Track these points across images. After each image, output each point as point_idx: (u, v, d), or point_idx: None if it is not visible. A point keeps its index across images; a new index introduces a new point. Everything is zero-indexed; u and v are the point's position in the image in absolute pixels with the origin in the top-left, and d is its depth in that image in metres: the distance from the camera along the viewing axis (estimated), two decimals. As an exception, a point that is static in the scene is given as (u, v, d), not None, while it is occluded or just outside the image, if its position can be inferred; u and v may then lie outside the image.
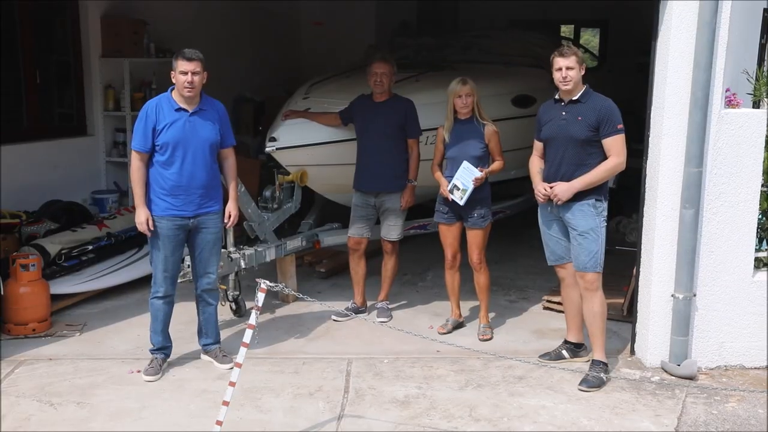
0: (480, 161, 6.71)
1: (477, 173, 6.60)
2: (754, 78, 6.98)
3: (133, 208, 6.28)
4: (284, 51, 12.53)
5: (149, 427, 5.41)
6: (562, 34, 13.51)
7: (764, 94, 6.80)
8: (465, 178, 6.62)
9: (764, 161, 6.31)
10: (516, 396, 5.95)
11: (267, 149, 7.63)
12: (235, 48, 11.13)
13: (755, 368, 6.48)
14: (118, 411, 5.60)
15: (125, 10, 9.61)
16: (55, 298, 7.15)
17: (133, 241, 8.03)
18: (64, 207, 8.42)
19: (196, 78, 5.95)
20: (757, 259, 6.45)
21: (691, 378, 6.24)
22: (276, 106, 8.17)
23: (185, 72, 5.91)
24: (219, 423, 4.90)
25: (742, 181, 6.24)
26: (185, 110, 6.02)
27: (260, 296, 5.18)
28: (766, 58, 7.51)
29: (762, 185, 6.34)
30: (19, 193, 8.19)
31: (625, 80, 6.95)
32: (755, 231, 6.38)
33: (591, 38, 14.33)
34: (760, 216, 6.42)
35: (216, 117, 6.20)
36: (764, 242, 6.55)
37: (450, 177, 6.73)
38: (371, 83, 7.16)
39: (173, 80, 6.03)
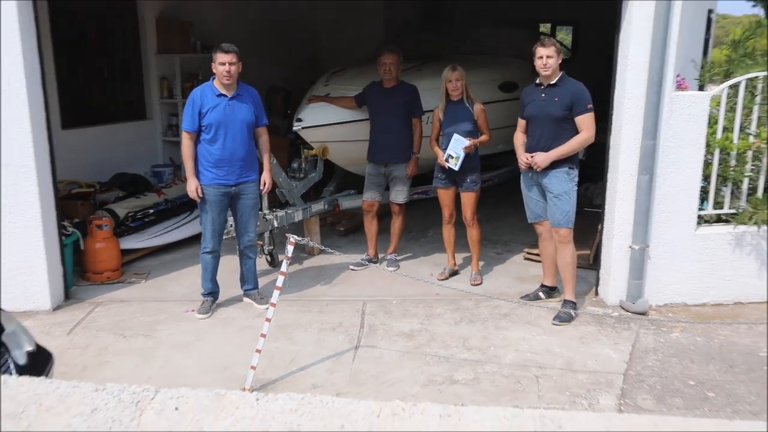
0: (471, 135, 6.73)
1: (466, 142, 6.65)
2: (700, 66, 7.11)
3: (185, 178, 6.32)
4: (307, 46, 12.45)
5: (203, 355, 5.59)
6: (542, 31, 13.47)
7: (707, 79, 6.83)
8: (457, 148, 6.68)
9: (707, 135, 6.33)
10: (501, 329, 6.06)
11: (294, 128, 7.64)
12: (267, 44, 11.05)
13: (696, 305, 6.58)
14: (178, 342, 5.79)
15: (175, 13, 9.57)
16: (124, 252, 7.27)
17: (185, 206, 8.05)
18: (130, 178, 8.51)
19: (233, 68, 5.98)
20: (699, 217, 6.48)
21: (643, 313, 6.36)
22: (302, 93, 8.20)
23: (223, 63, 5.95)
24: (258, 351, 5.05)
25: (688, 152, 6.29)
26: (225, 96, 6.06)
27: (290, 249, 5.30)
28: (709, 49, 7.62)
29: (705, 155, 6.36)
30: (93, 168, 8.26)
31: (594, 70, 7.07)
32: (699, 193, 6.42)
33: (565, 36, 14.30)
34: (703, 181, 6.45)
35: (251, 101, 6.23)
36: (705, 203, 6.54)
37: (446, 149, 6.77)
38: (381, 72, 7.20)
39: (214, 70, 6.06)
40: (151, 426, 2.42)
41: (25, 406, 2.52)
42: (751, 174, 6.61)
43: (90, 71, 8.58)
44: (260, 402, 2.55)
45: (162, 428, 2.40)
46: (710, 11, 10.23)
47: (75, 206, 7.22)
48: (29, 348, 4.12)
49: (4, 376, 2.78)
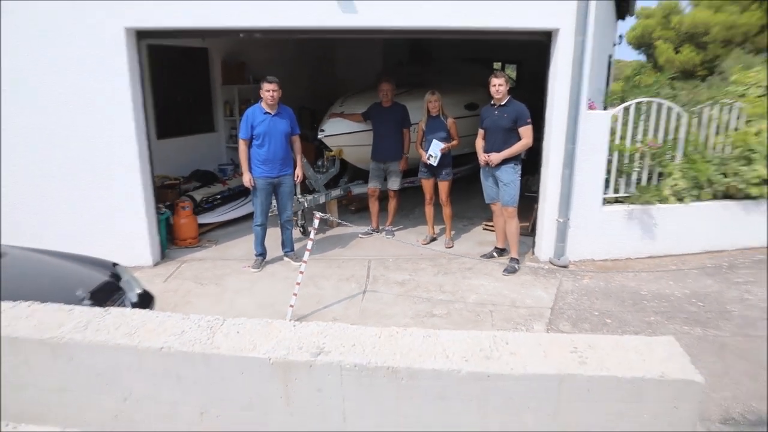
0: (445, 140, 6.66)
1: (442, 145, 6.60)
2: (604, 94, 7.07)
3: (242, 173, 6.27)
4: (327, 77, 12.33)
5: (256, 296, 5.61)
6: (495, 67, 13.32)
7: (609, 103, 6.82)
8: (435, 149, 6.62)
9: (609, 142, 6.27)
10: (467, 279, 6.06)
11: (319, 136, 7.59)
12: (299, 76, 10.96)
13: (600, 260, 6.55)
14: (239, 288, 5.81)
15: (234, 55, 9.51)
16: (200, 225, 7.24)
17: (242, 193, 7.95)
18: (203, 173, 8.46)
19: (275, 93, 5.95)
20: (603, 199, 6.44)
21: (565, 267, 6.36)
22: (323, 112, 8.14)
23: (268, 90, 5.93)
24: (295, 294, 5.10)
25: (596, 153, 6.23)
26: (269, 113, 6.02)
27: (316, 222, 5.30)
28: (609, 83, 7.55)
29: (607, 156, 6.31)
30: (178, 166, 8.20)
31: (533, 97, 7.01)
32: (603, 181, 6.37)
33: (511, 72, 14.16)
34: (606, 174, 6.39)
35: (288, 116, 6.17)
36: (608, 189, 6.47)
37: (428, 150, 6.70)
38: (380, 95, 7.12)
39: (261, 95, 6.02)
40: (220, 343, 2.46)
41: (136, 328, 2.55)
42: (638, 169, 6.57)
43: (176, 97, 8.54)
44: (296, 327, 2.58)
45: (228, 346, 2.44)
46: (610, 56, 10.25)
47: (166, 193, 7.20)
48: (138, 291, 4.17)
49: (128, 310, 2.84)
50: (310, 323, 2.59)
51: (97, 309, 2.78)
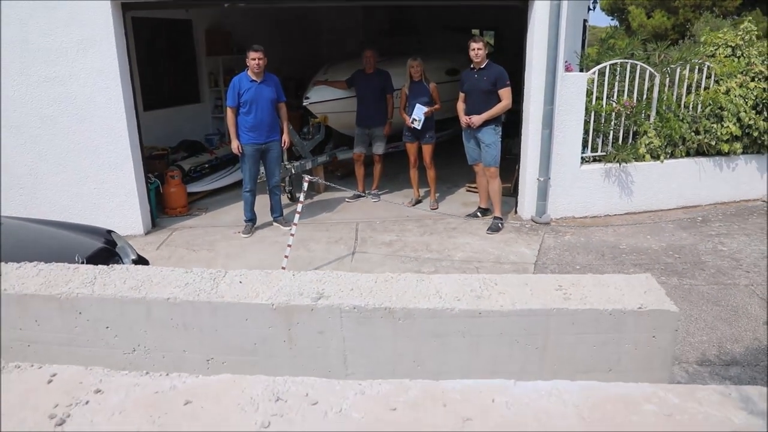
0: (427, 104, 6.70)
1: (424, 109, 6.65)
2: (580, 56, 7.14)
3: (229, 142, 6.28)
4: (312, 46, 12.21)
5: (248, 260, 5.63)
6: (473, 33, 13.27)
7: (585, 65, 6.90)
8: (418, 114, 6.66)
9: (586, 103, 6.35)
10: (452, 238, 6.15)
11: (303, 103, 7.58)
12: (284, 45, 10.87)
13: (580, 217, 6.70)
14: (230, 253, 5.84)
15: (218, 26, 9.41)
16: (189, 194, 7.24)
17: (229, 162, 7.99)
18: (190, 143, 8.40)
19: (261, 61, 5.95)
20: (582, 158, 6.54)
21: (547, 224, 6.48)
22: (308, 80, 8.11)
23: (254, 58, 5.93)
24: (286, 257, 5.17)
25: (573, 114, 6.34)
26: (255, 81, 6.02)
27: (305, 185, 5.36)
28: (585, 46, 7.57)
29: (584, 116, 6.40)
30: (165, 137, 8.15)
31: (510, 61, 7.04)
32: (581, 141, 6.47)
33: (489, 39, 14.12)
34: (584, 134, 6.48)
35: (273, 84, 6.17)
36: (586, 148, 6.57)
37: (411, 114, 6.74)
38: (364, 62, 7.13)
39: (247, 64, 6.01)
40: (224, 292, 2.54)
41: (142, 282, 2.61)
42: (614, 128, 6.67)
43: (161, 69, 8.45)
44: (296, 276, 2.65)
45: (232, 295, 2.52)
46: (585, 20, 10.30)
47: (155, 164, 7.17)
48: (133, 257, 4.22)
49: (132, 266, 2.89)
50: (309, 272, 2.67)
51: (102, 266, 2.83)
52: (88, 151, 6.05)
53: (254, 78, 6.03)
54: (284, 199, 7.21)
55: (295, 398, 1.57)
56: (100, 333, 2.61)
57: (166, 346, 2.57)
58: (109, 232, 4.36)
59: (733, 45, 6.87)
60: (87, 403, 1.61)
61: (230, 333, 2.48)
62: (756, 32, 6.94)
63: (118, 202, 6.20)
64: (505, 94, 6.01)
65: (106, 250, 4.02)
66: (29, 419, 1.56)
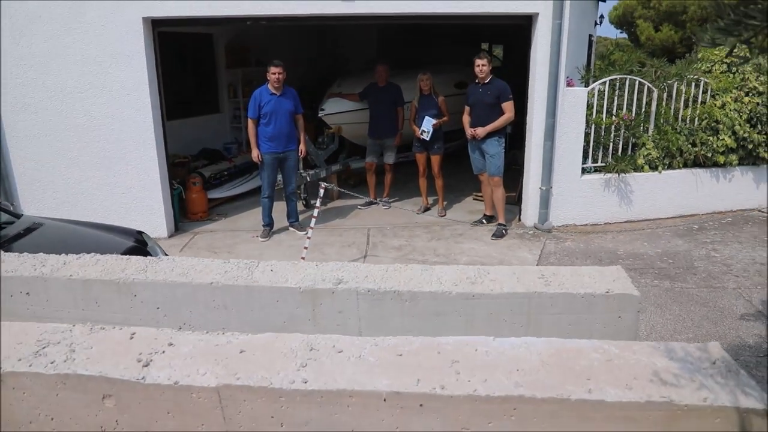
0: (436, 116, 7.09)
1: (433, 121, 7.04)
2: (585, 70, 7.61)
3: (249, 151, 6.64)
4: (327, 61, 12.54)
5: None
6: (482, 47, 13.64)
7: (585, 81, 7.29)
8: (428, 125, 7.06)
9: (587, 115, 6.75)
10: (458, 243, 6.53)
11: (319, 114, 7.98)
12: (301, 59, 11.14)
13: (580, 225, 7.05)
14: (249, 255, 6.18)
15: (238, 40, 9.81)
16: (209, 200, 7.60)
17: (247, 169, 8.28)
18: (210, 152, 8.83)
19: (281, 76, 6.38)
20: (582, 168, 6.91)
21: (548, 231, 6.86)
22: (323, 92, 8.54)
23: (274, 72, 6.37)
24: (303, 258, 5.53)
25: (574, 126, 6.71)
26: (275, 94, 6.43)
27: (321, 191, 5.79)
28: (592, 60, 7.95)
29: (585, 128, 6.77)
30: (187, 145, 8.53)
31: (517, 73, 7.43)
32: (582, 153, 6.84)
33: (499, 51, 14.53)
34: (585, 145, 6.85)
35: (292, 97, 6.57)
36: (586, 159, 6.92)
37: (420, 126, 7.11)
38: (376, 76, 7.53)
39: (267, 77, 6.44)
40: (258, 278, 3.06)
41: (188, 269, 3.14)
42: (613, 140, 7.04)
43: (183, 80, 8.80)
44: (319, 266, 3.18)
45: (265, 280, 3.04)
46: (591, 35, 10.74)
47: (177, 171, 7.58)
48: (163, 256, 4.74)
49: (178, 257, 3.41)
50: (330, 262, 3.19)
51: (152, 257, 3.37)
52: (117, 158, 6.58)
53: (274, 91, 6.46)
54: (299, 205, 7.53)
55: (324, 348, 2.09)
56: (152, 313, 3.15)
57: (208, 324, 3.10)
58: (140, 233, 4.88)
59: (728, 62, 7.34)
60: (164, 352, 2.14)
61: (263, 313, 3.01)
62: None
63: (144, 206, 6.71)
64: (508, 107, 6.44)
65: (138, 249, 4.52)
66: (122, 361, 2.09)
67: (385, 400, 1.83)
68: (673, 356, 1.95)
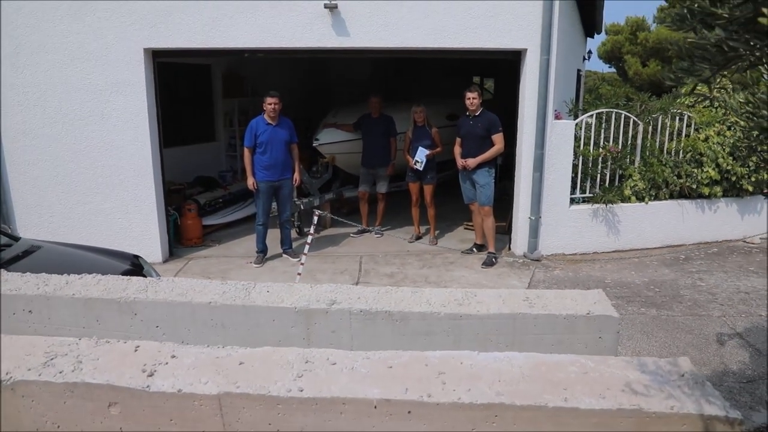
0: (429, 147, 7.31)
1: (427, 152, 7.26)
2: (573, 104, 7.86)
3: (244, 179, 6.74)
4: (322, 91, 12.77)
5: None
6: (474, 80, 13.93)
7: (574, 114, 7.54)
8: (421, 156, 7.28)
9: (575, 147, 6.97)
10: (449, 271, 6.68)
11: (313, 144, 8.15)
12: (295, 89, 11.35)
13: (569, 254, 7.24)
14: (243, 280, 6.05)
15: (234, 70, 10.04)
16: (204, 226, 7.74)
17: (241, 197, 8.38)
18: (206, 179, 8.98)
19: (276, 106, 6.58)
20: (571, 199, 7.11)
21: (538, 260, 7.03)
22: (318, 121, 8.73)
23: (270, 103, 6.57)
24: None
25: (562, 158, 6.92)
26: (271, 124, 6.63)
27: (315, 218, 6.03)
28: (581, 94, 8.24)
29: (573, 160, 7.00)
30: (182, 173, 8.69)
31: (507, 105, 7.66)
32: (570, 183, 7.04)
33: (490, 84, 14.83)
34: (573, 176, 7.06)
35: (287, 127, 6.76)
36: (575, 190, 7.12)
37: (414, 157, 7.33)
38: (370, 107, 7.76)
39: (263, 108, 6.63)
40: (255, 298, 3.21)
41: (187, 290, 3.29)
42: (600, 172, 7.27)
43: (180, 109, 8.96)
44: (313, 287, 3.33)
45: (262, 300, 3.19)
46: (579, 70, 11.07)
47: (173, 197, 7.73)
48: (158, 279, 4.88)
49: (177, 278, 3.56)
50: (323, 285, 3.35)
51: (152, 278, 3.52)
52: (114, 184, 6.75)
53: (270, 121, 6.67)
54: (293, 233, 7.69)
55: (319, 360, 2.24)
56: (151, 331, 3.28)
57: (206, 342, 3.22)
58: (136, 256, 5.01)
59: (710, 97, 7.64)
60: (167, 363, 2.29)
61: (260, 331, 3.15)
62: (731, 86, 7.72)
63: (140, 231, 6.85)
64: (498, 139, 6.67)
65: (134, 272, 4.63)
66: (127, 371, 2.23)
67: (375, 407, 1.98)
68: (645, 369, 2.11)
